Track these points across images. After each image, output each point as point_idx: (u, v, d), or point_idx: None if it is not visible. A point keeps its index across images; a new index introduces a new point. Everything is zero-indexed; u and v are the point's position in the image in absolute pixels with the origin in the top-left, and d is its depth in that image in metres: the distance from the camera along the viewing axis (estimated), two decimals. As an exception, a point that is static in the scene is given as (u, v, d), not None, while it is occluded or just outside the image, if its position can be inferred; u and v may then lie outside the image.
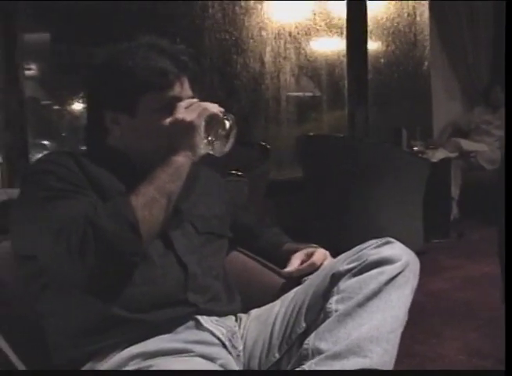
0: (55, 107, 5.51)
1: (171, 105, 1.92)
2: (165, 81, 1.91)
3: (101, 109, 1.96)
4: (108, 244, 1.69)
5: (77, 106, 5.59)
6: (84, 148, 2.12)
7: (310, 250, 2.09)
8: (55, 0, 4.79)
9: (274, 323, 1.89)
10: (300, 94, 5.89)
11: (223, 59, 5.33)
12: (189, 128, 1.90)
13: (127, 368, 1.71)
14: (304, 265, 2.06)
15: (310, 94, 6.18)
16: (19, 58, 4.17)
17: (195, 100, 1.94)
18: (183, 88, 1.94)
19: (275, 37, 5.46)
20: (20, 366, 1.64)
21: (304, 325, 1.81)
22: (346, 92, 6.11)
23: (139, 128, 1.94)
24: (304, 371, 1.65)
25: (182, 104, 1.91)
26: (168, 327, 1.79)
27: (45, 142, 5.32)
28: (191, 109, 1.91)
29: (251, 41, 5.34)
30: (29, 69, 4.56)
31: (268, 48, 5.43)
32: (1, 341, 1.70)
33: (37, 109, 4.92)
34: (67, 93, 5.39)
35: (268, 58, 5.43)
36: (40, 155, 4.82)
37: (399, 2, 6.81)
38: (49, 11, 4.97)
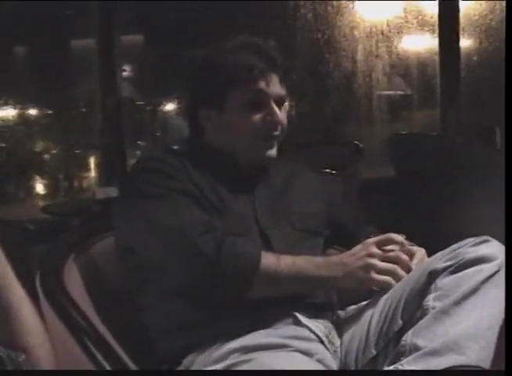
0: (148, 108, 5.61)
1: (257, 102, 1.95)
2: (251, 76, 1.94)
3: (196, 106, 2.02)
4: (222, 273, 1.78)
5: (170, 106, 5.68)
6: (176, 147, 2.18)
7: (408, 248, 2.08)
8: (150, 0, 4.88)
9: (370, 320, 1.89)
10: (391, 93, 5.85)
11: (315, 58, 5.33)
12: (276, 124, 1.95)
13: (226, 362, 1.75)
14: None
15: (402, 93, 6.13)
16: (116, 59, 4.25)
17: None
18: (271, 84, 1.96)
19: (367, 36, 5.42)
20: (126, 359, 1.70)
21: (400, 322, 1.81)
22: (438, 91, 6.03)
23: (228, 125, 1.98)
24: (306, 371, 1.68)
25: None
26: (267, 322, 1.82)
27: (139, 142, 5.42)
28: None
29: (343, 40, 5.31)
30: (124, 70, 4.65)
31: (360, 47, 5.40)
32: (107, 335, 1.76)
33: (132, 109, 5.02)
34: (160, 94, 5.48)
35: (359, 57, 5.40)
36: (137, 154, 4.91)
37: (492, -1, 6.70)
38: (144, 12, 5.07)
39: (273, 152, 2.00)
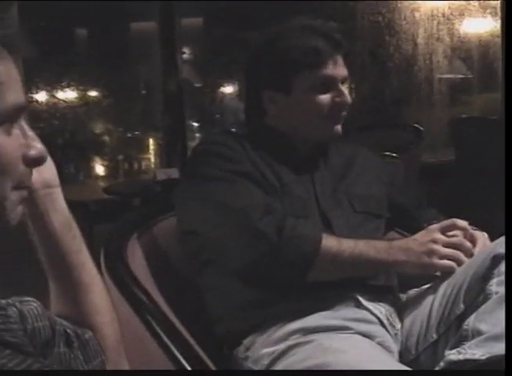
0: (207, 90, 5.64)
1: (325, 83, 1.95)
2: (319, 60, 1.94)
3: (258, 89, 2.02)
4: (283, 255, 1.78)
5: (228, 88, 5.70)
6: (234, 129, 2.19)
7: (471, 233, 2.06)
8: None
9: (432, 304, 1.88)
10: (452, 76, 5.79)
11: (376, 41, 5.31)
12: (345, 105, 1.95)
13: (287, 343, 1.76)
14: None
15: (462, 76, 6.06)
16: (177, 42, 4.28)
17: None
18: (337, 66, 1.97)
19: (428, 19, 5.38)
20: (189, 339, 1.71)
21: (462, 306, 1.80)
22: (500, 74, 5.94)
23: (294, 107, 1.98)
24: (305, 371, 1.68)
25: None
26: (328, 304, 1.83)
27: (196, 124, 5.46)
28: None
29: (404, 22, 5.28)
30: (184, 52, 4.68)
31: (421, 30, 5.36)
32: (170, 314, 1.77)
33: (192, 92, 5.05)
34: (219, 76, 5.50)
35: (420, 39, 5.36)
36: (196, 136, 4.94)
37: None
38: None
39: (339, 129, 2.01)
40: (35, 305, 1.11)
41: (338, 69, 1.96)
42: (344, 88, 1.98)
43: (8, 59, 0.97)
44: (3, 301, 0.92)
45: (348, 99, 1.97)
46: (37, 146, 1.02)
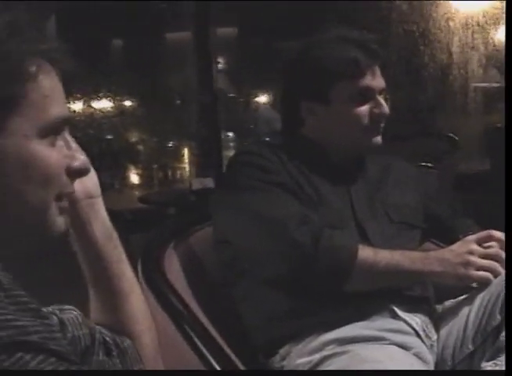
0: (241, 100, 5.66)
1: (363, 94, 1.96)
2: (357, 70, 1.94)
3: (296, 100, 2.02)
4: (319, 266, 1.79)
5: (262, 98, 5.71)
6: (268, 139, 2.20)
7: None
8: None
9: (468, 315, 1.88)
10: (487, 85, 5.75)
11: (410, 50, 5.29)
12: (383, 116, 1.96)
13: (322, 353, 1.77)
14: None
15: (497, 85, 6.02)
16: (212, 52, 4.30)
17: None
18: (375, 77, 1.97)
19: (462, 27, 5.35)
20: (225, 348, 1.72)
21: (499, 317, 1.78)
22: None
23: (333, 118, 1.99)
24: (303, 371, 1.69)
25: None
26: (364, 315, 1.83)
27: (231, 134, 5.48)
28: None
29: (438, 31, 5.26)
30: (218, 62, 4.70)
31: (456, 39, 5.33)
32: (206, 322, 1.79)
33: (226, 101, 5.07)
34: (253, 86, 5.52)
35: (455, 48, 5.33)
36: (231, 145, 4.95)
37: None
38: (238, 5, 5.11)
39: (379, 140, 2.01)
40: (75, 313, 1.12)
41: (376, 80, 1.97)
42: (382, 99, 1.98)
43: (52, 72, 0.99)
44: (45, 310, 0.93)
45: (387, 110, 1.97)
46: (81, 158, 1.04)
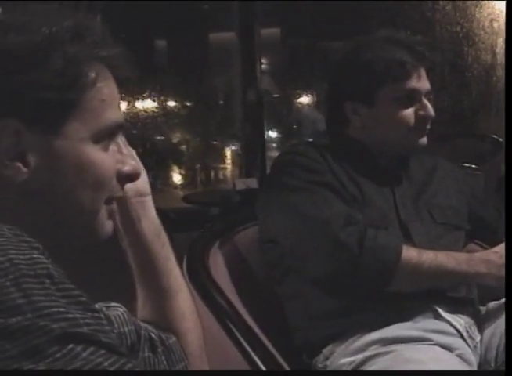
0: (286, 100, 5.65)
1: (409, 96, 1.96)
2: (403, 72, 1.95)
3: (341, 100, 2.03)
4: (364, 265, 1.80)
5: (306, 99, 5.71)
6: (312, 139, 2.20)
7: None
8: None
9: None
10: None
11: (454, 51, 5.25)
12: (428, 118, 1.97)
13: (365, 353, 1.77)
14: None
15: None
16: (257, 52, 4.31)
17: None
18: (421, 79, 1.97)
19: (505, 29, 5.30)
20: (270, 347, 1.73)
21: (543, 320, 1.78)
22: None
23: (378, 119, 2.00)
24: (304, 371, 1.72)
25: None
26: (408, 315, 1.83)
27: (275, 134, 5.48)
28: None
29: (482, 32, 5.22)
30: (262, 63, 4.70)
31: (500, 40, 5.28)
32: (251, 322, 1.80)
33: (271, 102, 5.08)
34: (297, 86, 5.52)
35: (499, 49, 5.28)
36: (274, 146, 4.95)
37: None
38: (282, 5, 5.12)
39: (424, 140, 2.02)
40: (121, 310, 1.14)
41: (422, 82, 1.97)
42: (427, 101, 1.98)
43: (110, 78, 1.00)
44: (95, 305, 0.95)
45: (432, 112, 1.98)
46: (132, 163, 1.06)
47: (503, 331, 1.87)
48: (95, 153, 0.98)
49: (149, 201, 1.22)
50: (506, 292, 1.64)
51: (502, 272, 1.83)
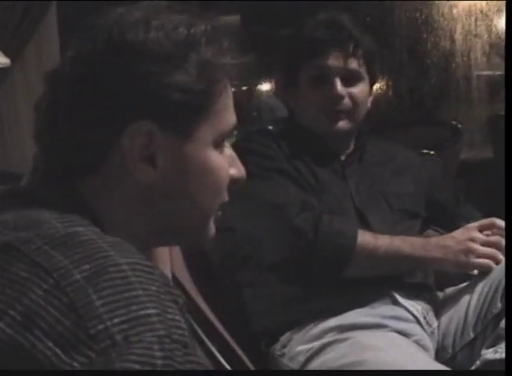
0: (244, 88, 5.65)
1: (322, 75, 1.95)
2: (316, 51, 1.93)
3: (284, 85, 2.04)
4: (320, 251, 1.79)
5: (265, 86, 5.70)
6: (271, 127, 2.20)
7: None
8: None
9: (469, 302, 1.88)
10: (490, 73, 5.73)
11: (413, 37, 5.28)
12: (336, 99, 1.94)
13: (323, 340, 1.77)
14: None
15: (500, 73, 6.01)
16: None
17: None
18: (339, 58, 1.93)
19: (465, 15, 5.33)
20: (225, 335, 1.72)
21: (499, 305, 1.79)
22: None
23: (300, 99, 2.00)
24: (302, 371, 1.70)
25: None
26: (365, 301, 1.83)
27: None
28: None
29: (441, 19, 5.25)
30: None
31: (459, 26, 5.32)
32: (206, 310, 1.78)
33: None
34: (256, 74, 5.51)
35: (458, 36, 5.32)
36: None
37: None
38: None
39: (340, 125, 1.97)
40: None
41: (338, 60, 1.93)
42: (339, 82, 1.93)
43: (228, 85, 1.00)
44: None
45: (339, 93, 1.93)
46: (241, 167, 1.07)
47: (461, 317, 1.88)
48: (217, 158, 0.99)
49: None
50: (506, 291, 1.65)
51: (460, 257, 1.84)
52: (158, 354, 0.73)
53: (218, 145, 0.99)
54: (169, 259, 1.27)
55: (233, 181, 1.05)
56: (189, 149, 0.95)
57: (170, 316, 0.76)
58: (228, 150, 1.04)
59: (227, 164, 1.02)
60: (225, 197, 1.05)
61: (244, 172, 1.07)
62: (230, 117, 1.00)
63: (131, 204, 0.95)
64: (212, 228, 1.06)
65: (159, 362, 0.73)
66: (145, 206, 0.96)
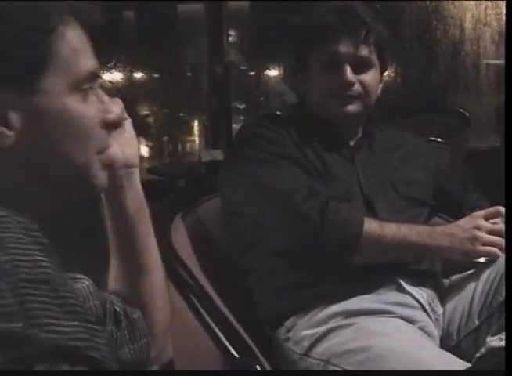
0: (252, 73, 5.63)
1: (332, 61, 1.94)
2: (328, 36, 1.93)
3: (294, 71, 2.05)
4: (326, 238, 1.79)
5: (274, 72, 5.68)
6: (279, 112, 2.20)
7: None
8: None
9: (475, 290, 1.88)
10: (499, 62, 5.70)
11: (422, 25, 5.25)
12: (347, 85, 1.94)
13: (328, 325, 1.77)
14: None
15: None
16: (225, 25, 4.28)
17: None
18: (349, 44, 1.93)
19: (475, 3, 5.30)
20: (232, 319, 1.72)
21: (504, 293, 1.79)
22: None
23: (312, 84, 2.00)
24: (303, 371, 1.71)
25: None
26: (370, 288, 1.83)
27: (242, 106, 5.45)
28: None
29: (452, 7, 5.22)
30: (230, 35, 4.67)
31: (469, 15, 5.28)
32: (213, 294, 1.79)
33: (238, 74, 5.05)
34: (264, 59, 5.49)
35: (467, 24, 5.29)
36: (241, 118, 4.94)
37: None
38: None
39: (350, 109, 1.96)
40: (87, 283, 1.11)
41: (349, 47, 1.93)
42: (349, 69, 1.93)
43: (77, 26, 0.99)
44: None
45: (349, 79, 1.93)
46: (114, 110, 1.06)
47: (466, 304, 1.88)
48: (75, 105, 0.97)
49: (135, 173, 1.19)
50: (506, 292, 1.65)
51: (466, 245, 1.84)
52: (12, 301, 0.74)
53: (77, 91, 0.97)
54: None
55: (108, 124, 1.04)
56: (39, 101, 0.94)
57: (27, 258, 0.77)
58: (101, 96, 1.03)
59: (92, 109, 1.00)
60: (104, 142, 1.04)
61: (120, 115, 1.07)
62: (84, 63, 0.98)
63: (4, 172, 0.95)
64: (100, 176, 1.04)
65: (14, 308, 0.74)
66: (15, 167, 0.95)
